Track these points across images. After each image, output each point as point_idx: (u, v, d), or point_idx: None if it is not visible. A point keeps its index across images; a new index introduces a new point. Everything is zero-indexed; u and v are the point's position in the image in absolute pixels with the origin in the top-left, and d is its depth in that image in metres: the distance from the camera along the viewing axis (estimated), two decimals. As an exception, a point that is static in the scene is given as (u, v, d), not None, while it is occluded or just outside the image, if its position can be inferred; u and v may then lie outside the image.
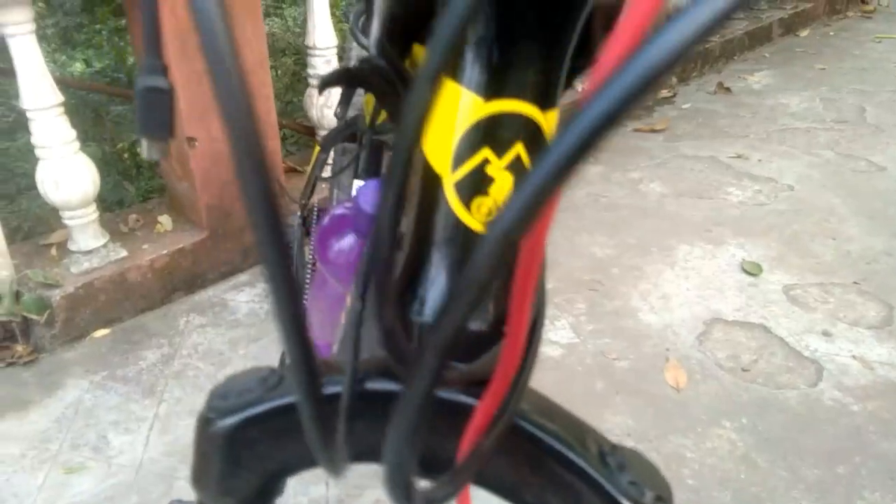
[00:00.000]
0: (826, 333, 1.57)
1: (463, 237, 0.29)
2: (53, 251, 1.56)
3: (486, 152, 0.27)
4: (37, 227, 1.94)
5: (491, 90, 0.27)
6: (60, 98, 1.36)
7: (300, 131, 2.37)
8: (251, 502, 0.33)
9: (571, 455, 0.30)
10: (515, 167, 0.28)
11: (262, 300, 1.69)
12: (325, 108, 1.90)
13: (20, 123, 2.26)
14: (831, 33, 4.06)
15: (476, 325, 0.29)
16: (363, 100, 0.73)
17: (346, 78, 0.36)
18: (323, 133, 1.99)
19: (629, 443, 1.27)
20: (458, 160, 0.28)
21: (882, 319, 1.62)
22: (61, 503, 1.15)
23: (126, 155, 2.42)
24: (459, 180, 0.28)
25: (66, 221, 1.51)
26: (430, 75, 0.18)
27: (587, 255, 1.87)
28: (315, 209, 1.19)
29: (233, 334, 1.57)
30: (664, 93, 3.02)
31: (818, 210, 2.12)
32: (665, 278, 1.78)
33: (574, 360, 1.48)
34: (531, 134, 0.28)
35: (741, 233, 2.00)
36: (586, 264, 1.83)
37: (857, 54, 3.68)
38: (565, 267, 1.81)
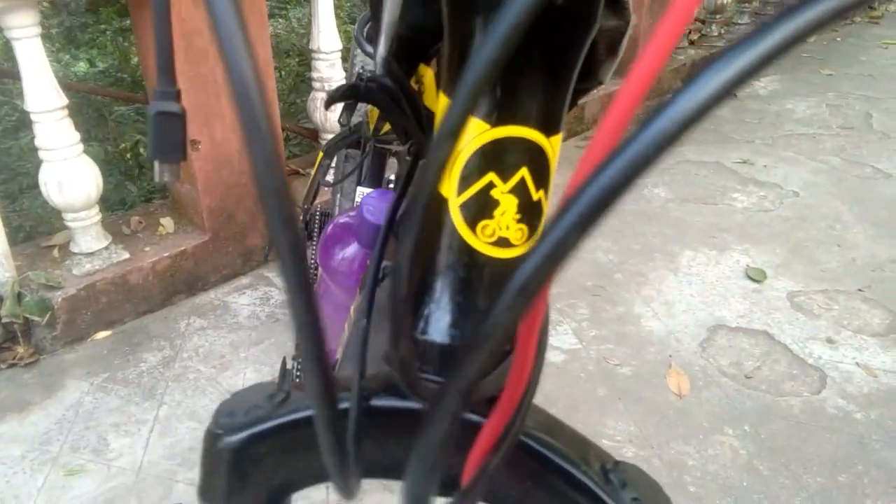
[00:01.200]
0: (830, 341, 1.56)
1: (468, 258, 0.29)
2: (55, 253, 1.56)
3: (491, 176, 0.28)
4: (38, 226, 1.94)
5: (497, 117, 0.27)
6: (65, 101, 1.36)
7: (303, 134, 2.38)
8: None
9: (575, 472, 0.30)
10: (519, 190, 0.28)
11: (263, 303, 1.69)
12: (328, 112, 1.90)
13: (23, 123, 2.27)
14: (838, 39, 4.05)
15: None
16: (368, 108, 0.73)
17: (352, 95, 0.36)
18: (326, 136, 2.00)
19: (631, 449, 1.26)
20: (464, 183, 0.28)
21: (887, 327, 1.61)
22: (60, 505, 1.15)
23: (129, 155, 2.43)
24: (464, 202, 0.29)
25: (69, 223, 1.52)
26: (453, 131, 0.19)
27: (590, 261, 1.86)
28: (317, 213, 1.19)
29: (234, 337, 1.57)
30: (669, 98, 3.01)
31: (823, 217, 2.11)
32: (668, 284, 1.77)
33: (576, 367, 1.47)
34: (535, 158, 0.28)
35: (746, 239, 1.99)
36: (589, 270, 1.82)
37: (863, 60, 3.67)
38: (568, 272, 1.80)
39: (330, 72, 1.88)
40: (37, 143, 1.40)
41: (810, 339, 1.57)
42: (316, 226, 1.17)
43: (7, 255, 1.42)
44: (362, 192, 0.83)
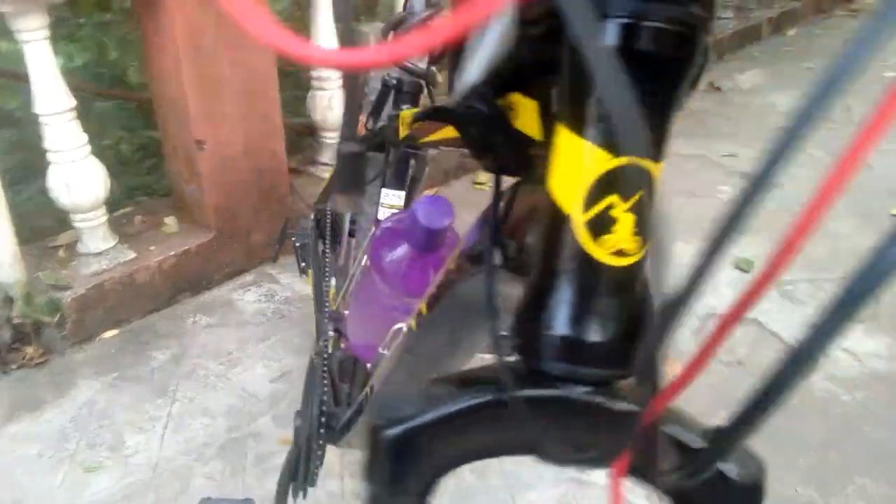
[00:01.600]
0: (817, 328, 1.63)
1: (590, 267, 0.34)
2: (62, 253, 1.58)
3: (612, 198, 0.33)
4: (24, 223, 1.93)
5: (615, 147, 0.32)
6: (73, 102, 1.37)
7: (300, 131, 2.39)
8: (420, 496, 0.39)
9: (682, 438, 0.35)
10: (636, 209, 0.34)
11: (268, 300, 1.71)
12: (327, 110, 1.93)
13: (6, 120, 2.24)
14: (818, 32, 4.13)
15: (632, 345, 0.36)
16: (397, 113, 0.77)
17: (442, 118, 0.40)
18: (325, 135, 2.02)
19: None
20: (589, 203, 0.34)
21: (870, 314, 1.68)
22: (81, 502, 1.17)
23: (110, 152, 2.41)
24: (590, 220, 0.34)
25: (77, 224, 1.53)
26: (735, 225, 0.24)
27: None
28: (328, 212, 1.22)
29: (241, 334, 1.59)
30: None
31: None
32: (661, 275, 1.82)
33: (576, 356, 1.52)
34: (648, 182, 0.34)
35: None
36: (585, 262, 1.87)
37: (841, 53, 3.75)
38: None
39: (329, 70, 1.90)
40: (45, 144, 1.41)
41: (798, 326, 1.63)
42: (328, 224, 1.20)
43: (17, 256, 1.43)
44: (387, 193, 0.87)
